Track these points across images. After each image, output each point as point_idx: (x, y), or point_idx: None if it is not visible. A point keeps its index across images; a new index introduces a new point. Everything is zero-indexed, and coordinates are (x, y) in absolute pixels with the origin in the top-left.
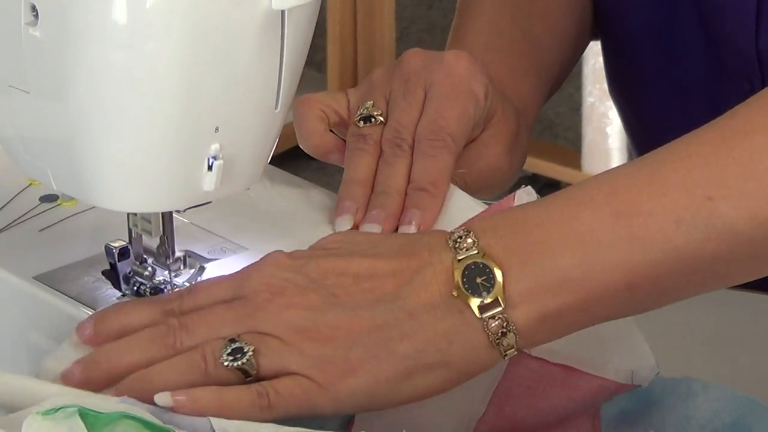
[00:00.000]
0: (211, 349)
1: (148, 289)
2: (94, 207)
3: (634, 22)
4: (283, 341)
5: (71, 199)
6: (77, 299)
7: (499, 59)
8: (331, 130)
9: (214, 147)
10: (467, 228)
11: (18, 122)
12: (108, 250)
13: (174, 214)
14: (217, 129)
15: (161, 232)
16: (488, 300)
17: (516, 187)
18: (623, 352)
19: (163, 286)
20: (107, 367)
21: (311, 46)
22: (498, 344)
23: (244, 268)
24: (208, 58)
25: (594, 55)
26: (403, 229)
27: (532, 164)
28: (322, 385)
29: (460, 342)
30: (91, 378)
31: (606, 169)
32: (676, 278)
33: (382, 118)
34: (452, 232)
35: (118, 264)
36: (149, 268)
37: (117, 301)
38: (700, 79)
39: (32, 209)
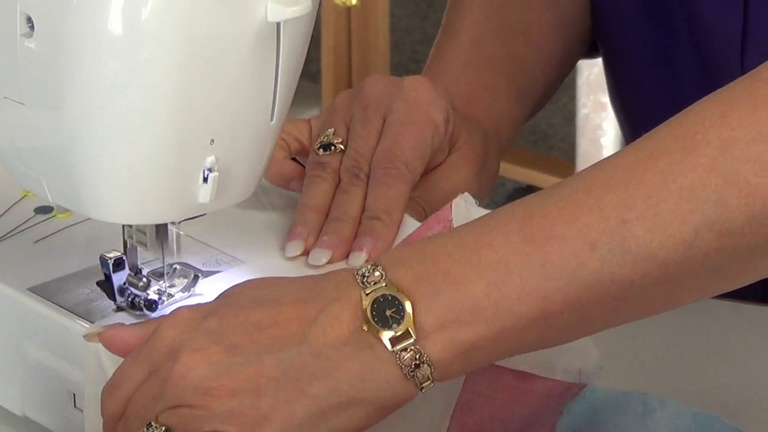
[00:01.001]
0: None
1: (142, 301)
2: (89, 219)
3: (631, 39)
4: (192, 407)
5: (66, 210)
6: (72, 311)
7: (475, 76)
8: (294, 159)
9: (210, 159)
10: (375, 261)
11: (13, 133)
12: (103, 260)
13: (169, 226)
14: (212, 141)
15: (156, 244)
16: (399, 332)
17: (510, 199)
18: (570, 350)
19: (157, 298)
20: None
21: (306, 57)
22: (412, 376)
23: (155, 329)
24: (203, 71)
25: (588, 67)
26: (354, 256)
27: (527, 175)
28: None
29: (373, 377)
30: None
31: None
32: (592, 305)
33: (342, 146)
34: (360, 267)
35: (113, 275)
36: (144, 279)
37: (112, 312)
38: (693, 97)
39: (27, 221)
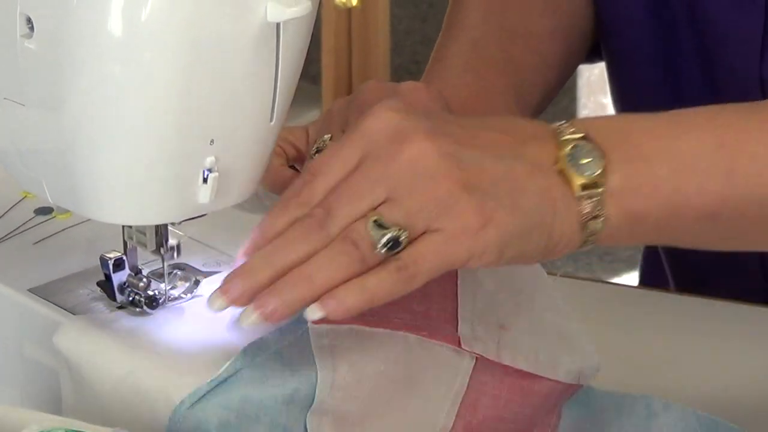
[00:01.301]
0: (360, 234)
1: (143, 299)
2: (89, 219)
3: (635, 42)
4: (424, 198)
5: (66, 211)
6: (72, 311)
7: (475, 79)
8: (292, 166)
9: (210, 159)
10: (570, 123)
11: (13, 134)
12: (103, 260)
13: (169, 227)
14: (212, 141)
15: (155, 245)
16: (590, 180)
17: None
18: (572, 352)
19: (158, 297)
20: (268, 272)
21: (306, 58)
22: (585, 227)
23: (355, 125)
24: (203, 71)
25: (588, 68)
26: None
27: None
28: (456, 237)
29: (560, 214)
30: (255, 284)
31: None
32: (759, 222)
33: None
34: (554, 124)
35: (113, 275)
36: (144, 279)
37: (111, 312)
38: (697, 101)
39: (27, 222)
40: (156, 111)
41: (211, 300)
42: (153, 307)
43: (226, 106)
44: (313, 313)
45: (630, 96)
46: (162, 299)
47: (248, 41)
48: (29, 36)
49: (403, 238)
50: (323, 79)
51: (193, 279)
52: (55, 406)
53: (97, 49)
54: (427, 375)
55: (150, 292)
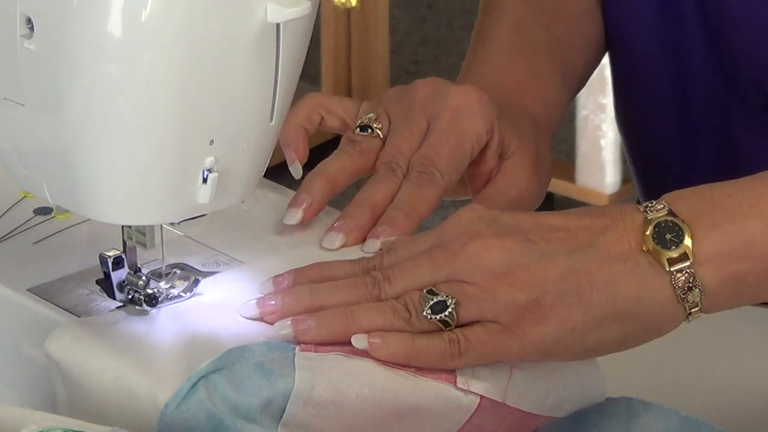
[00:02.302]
0: (412, 301)
1: (142, 297)
2: (88, 219)
3: (640, 37)
4: (480, 287)
5: (66, 211)
6: (72, 311)
7: (523, 62)
8: (333, 136)
9: (209, 160)
10: (659, 199)
11: (13, 135)
12: (102, 259)
13: (168, 227)
14: (211, 142)
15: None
16: (677, 254)
17: None
18: (581, 389)
19: (158, 295)
20: (309, 303)
21: (305, 58)
22: (683, 299)
23: (442, 223)
24: (203, 71)
25: None
26: (369, 243)
27: None
28: (511, 331)
29: (648, 295)
30: (290, 311)
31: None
32: None
33: (380, 132)
34: (641, 203)
35: (113, 273)
36: (143, 278)
37: (111, 311)
38: (707, 95)
39: (27, 221)
40: (156, 111)
41: (243, 307)
42: (152, 305)
43: (225, 107)
44: (359, 341)
45: (634, 85)
46: (161, 297)
47: (248, 42)
48: (29, 36)
49: (450, 302)
50: (323, 80)
51: (192, 278)
52: (54, 406)
53: (96, 50)
54: (422, 408)
55: (149, 290)
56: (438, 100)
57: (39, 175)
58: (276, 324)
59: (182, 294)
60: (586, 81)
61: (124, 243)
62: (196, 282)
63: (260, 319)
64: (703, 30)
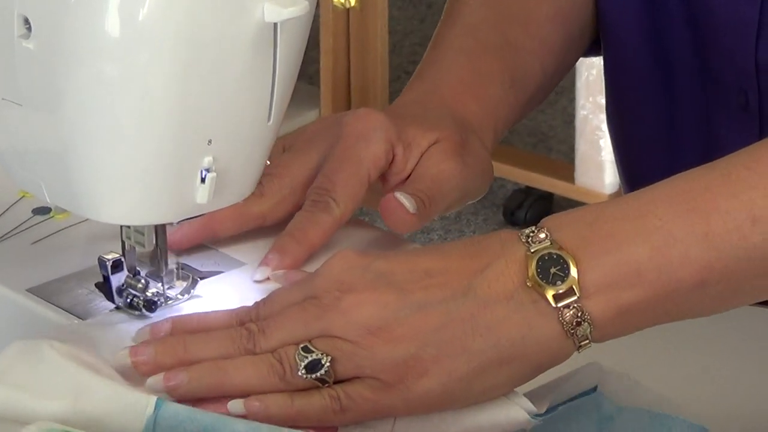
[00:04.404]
0: (287, 356)
1: (141, 301)
2: (87, 219)
3: (628, 32)
4: (356, 344)
5: (64, 211)
6: (70, 311)
7: (467, 62)
8: None
9: (207, 159)
10: (539, 225)
11: (11, 135)
12: (101, 262)
13: (167, 227)
14: (210, 141)
15: (154, 244)
16: (563, 289)
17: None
18: (491, 415)
19: (156, 299)
20: (183, 355)
21: (304, 58)
22: (572, 334)
23: (314, 271)
24: (200, 71)
25: (587, 68)
26: (258, 270)
27: (526, 177)
28: (394, 388)
29: (534, 334)
30: (163, 363)
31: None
32: (749, 278)
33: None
34: (523, 229)
35: (111, 276)
36: (142, 281)
37: (110, 312)
38: (690, 93)
39: (25, 222)
40: (153, 111)
41: (117, 357)
42: (152, 310)
43: (223, 107)
44: (235, 407)
45: (621, 85)
46: (160, 301)
47: (245, 41)
48: (27, 36)
49: (324, 360)
50: (321, 80)
51: (191, 279)
52: None
53: (94, 49)
54: None
55: (149, 293)
56: (333, 131)
57: (37, 175)
58: (149, 379)
59: (180, 296)
60: (549, 88)
61: (123, 243)
62: (195, 283)
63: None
64: (688, 27)
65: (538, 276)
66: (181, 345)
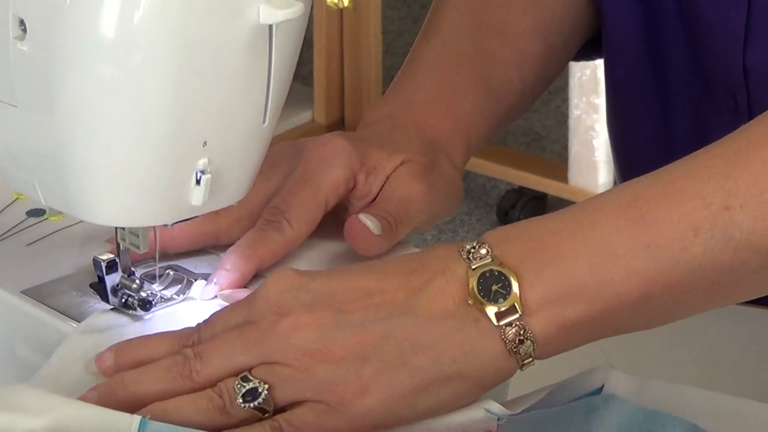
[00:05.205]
0: (227, 387)
1: (136, 301)
2: (81, 221)
3: (624, 31)
4: (294, 368)
5: (58, 213)
6: (65, 313)
7: (440, 77)
8: None
9: (202, 161)
10: (480, 240)
11: (6, 136)
12: (96, 262)
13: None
14: (205, 143)
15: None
16: (505, 307)
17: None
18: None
19: (151, 299)
20: (124, 395)
21: (298, 59)
22: (515, 352)
23: (254, 291)
24: (195, 73)
25: (580, 69)
26: (206, 290)
27: (519, 177)
28: (335, 408)
29: (476, 352)
30: (107, 403)
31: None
32: (691, 289)
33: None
34: (464, 244)
35: (106, 277)
36: (137, 281)
37: (105, 312)
38: (685, 94)
39: (19, 223)
40: (148, 113)
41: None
42: (146, 310)
43: (218, 108)
44: None
45: (619, 87)
46: (155, 300)
47: (241, 43)
48: (22, 38)
49: (261, 389)
50: (315, 80)
51: (185, 280)
52: None
53: (89, 51)
54: None
55: (143, 293)
56: (295, 156)
57: (31, 177)
58: None
59: (175, 297)
60: (531, 98)
61: (118, 245)
62: (190, 284)
63: None
64: (682, 28)
65: (480, 294)
66: (120, 385)
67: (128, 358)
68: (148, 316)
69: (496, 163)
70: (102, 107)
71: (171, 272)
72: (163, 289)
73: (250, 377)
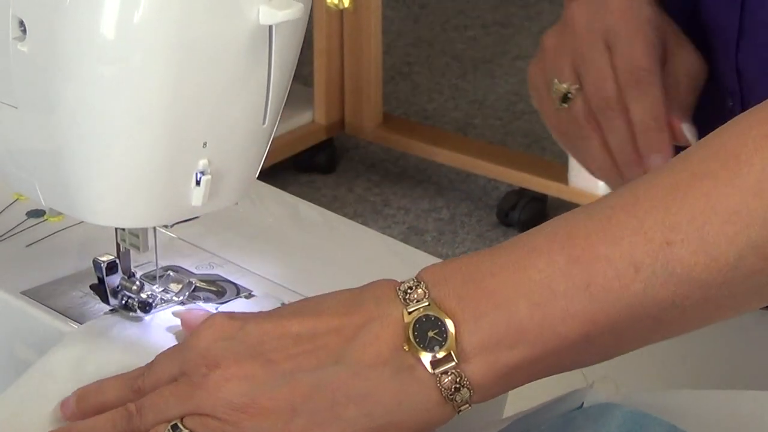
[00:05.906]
0: None
1: (136, 303)
2: (81, 222)
3: None
4: (223, 422)
5: (58, 214)
6: (65, 314)
7: None
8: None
9: (202, 162)
10: (418, 278)
11: (6, 137)
12: (96, 264)
13: (162, 229)
14: (205, 144)
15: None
16: (441, 354)
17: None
18: None
19: (151, 301)
20: None
21: (298, 60)
22: (451, 399)
23: (188, 337)
24: (195, 73)
25: None
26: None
27: (519, 178)
28: None
29: (411, 400)
30: None
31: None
32: (632, 325)
33: (576, 86)
34: (402, 283)
35: (107, 278)
36: (137, 283)
37: (105, 315)
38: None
39: (19, 224)
40: (148, 113)
41: None
42: (147, 312)
43: (218, 109)
44: None
45: None
46: (155, 302)
47: (241, 44)
48: (22, 39)
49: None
50: (315, 81)
51: (186, 281)
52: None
53: (89, 52)
54: None
55: (143, 295)
56: (600, 14)
57: (32, 178)
58: None
59: (175, 298)
60: None
61: (118, 245)
62: (190, 285)
63: None
64: (685, 25)
65: (415, 341)
66: None
67: (88, 404)
68: (148, 317)
69: (496, 164)
70: (102, 108)
71: (171, 273)
72: (162, 290)
73: (180, 427)
